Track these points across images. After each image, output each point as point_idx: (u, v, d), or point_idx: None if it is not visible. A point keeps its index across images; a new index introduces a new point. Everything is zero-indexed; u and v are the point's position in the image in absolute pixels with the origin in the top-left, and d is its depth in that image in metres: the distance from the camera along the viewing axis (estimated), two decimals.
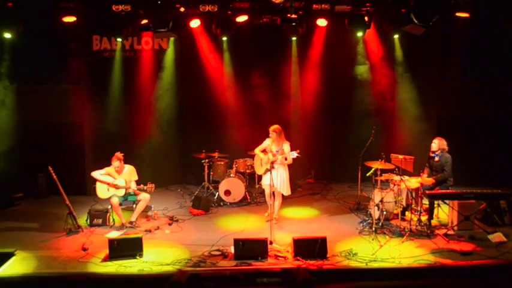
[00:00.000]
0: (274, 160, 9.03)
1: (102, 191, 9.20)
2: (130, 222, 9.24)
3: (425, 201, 9.23)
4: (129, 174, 9.32)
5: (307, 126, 12.30)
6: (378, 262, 7.58)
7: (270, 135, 9.17)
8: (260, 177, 9.97)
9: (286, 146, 9.13)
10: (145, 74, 11.71)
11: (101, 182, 9.16)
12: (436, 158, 9.13)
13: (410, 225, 8.75)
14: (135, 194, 9.30)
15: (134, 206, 9.38)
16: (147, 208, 9.83)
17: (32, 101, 11.22)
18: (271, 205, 9.02)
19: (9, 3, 9.21)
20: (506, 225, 9.13)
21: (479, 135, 11.62)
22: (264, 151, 9.32)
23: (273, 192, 9.14)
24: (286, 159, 9.07)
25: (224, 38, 11.38)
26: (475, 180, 10.64)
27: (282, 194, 9.46)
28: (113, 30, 10.57)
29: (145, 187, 9.16)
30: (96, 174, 9.21)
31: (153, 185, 9.19)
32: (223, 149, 11.44)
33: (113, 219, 9.41)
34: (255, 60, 11.95)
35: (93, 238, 8.71)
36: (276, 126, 9.16)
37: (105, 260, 7.80)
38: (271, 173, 8.78)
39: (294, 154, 8.82)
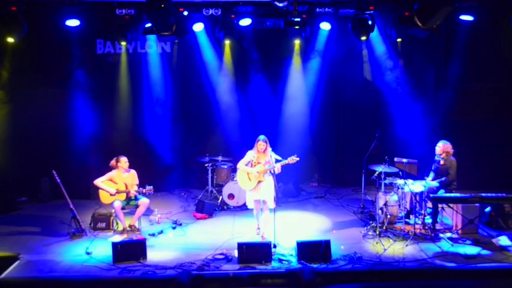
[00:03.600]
0: (266, 171, 8.40)
1: (105, 196, 9.16)
2: (130, 226, 9.18)
3: (430, 205, 9.21)
4: (131, 178, 9.31)
5: (311, 130, 12.28)
6: (382, 265, 7.57)
7: (257, 146, 8.47)
8: None
9: (275, 155, 8.50)
10: (148, 77, 11.71)
11: (103, 190, 9.14)
12: (441, 162, 9.10)
13: (414, 228, 8.73)
14: (136, 199, 9.26)
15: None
16: (150, 212, 9.81)
17: (36, 105, 11.20)
18: (262, 220, 8.63)
19: (13, 7, 9.23)
20: (510, 229, 9.09)
21: (484, 138, 11.56)
22: (248, 164, 8.61)
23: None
24: (274, 168, 8.33)
25: (227, 42, 11.39)
26: (479, 183, 10.58)
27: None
28: (117, 34, 10.60)
29: (144, 190, 9.13)
30: (98, 182, 9.11)
31: (151, 187, 9.14)
32: (226, 152, 11.44)
33: (117, 223, 9.40)
34: (258, 63, 11.93)
35: (97, 242, 8.71)
36: (263, 137, 8.55)
37: (108, 264, 7.81)
38: (259, 186, 8.48)
39: (294, 159, 8.28)
